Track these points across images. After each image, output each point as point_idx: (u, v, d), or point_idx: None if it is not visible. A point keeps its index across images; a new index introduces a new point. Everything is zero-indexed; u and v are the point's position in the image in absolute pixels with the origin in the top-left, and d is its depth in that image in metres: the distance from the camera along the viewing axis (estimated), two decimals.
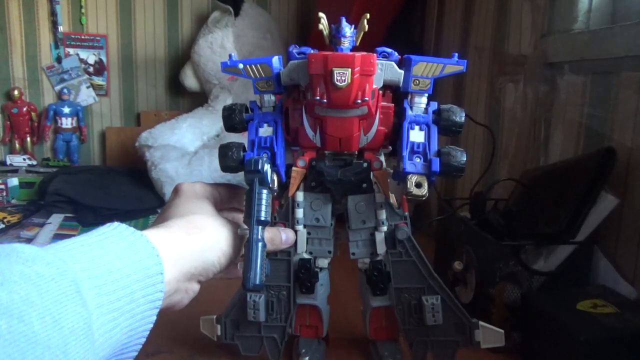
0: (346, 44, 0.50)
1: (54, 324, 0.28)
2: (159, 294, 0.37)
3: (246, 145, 0.53)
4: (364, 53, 0.47)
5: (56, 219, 1.21)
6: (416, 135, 0.51)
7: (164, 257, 0.38)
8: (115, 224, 0.39)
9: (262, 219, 0.47)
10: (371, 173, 0.54)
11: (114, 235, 0.37)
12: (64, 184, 1.30)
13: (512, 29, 0.98)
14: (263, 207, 0.47)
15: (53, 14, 1.58)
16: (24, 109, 1.59)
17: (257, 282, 0.45)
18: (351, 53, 0.48)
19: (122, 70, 1.68)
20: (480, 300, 0.68)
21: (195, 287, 0.44)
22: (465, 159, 0.50)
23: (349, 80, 0.46)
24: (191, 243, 0.43)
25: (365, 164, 0.53)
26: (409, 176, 0.49)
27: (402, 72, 0.51)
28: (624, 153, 0.68)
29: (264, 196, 0.48)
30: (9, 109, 1.58)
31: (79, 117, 1.62)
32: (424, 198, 0.49)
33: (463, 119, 0.52)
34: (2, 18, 1.56)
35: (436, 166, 0.49)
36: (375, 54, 0.49)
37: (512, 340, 0.63)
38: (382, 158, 0.54)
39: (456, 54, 0.51)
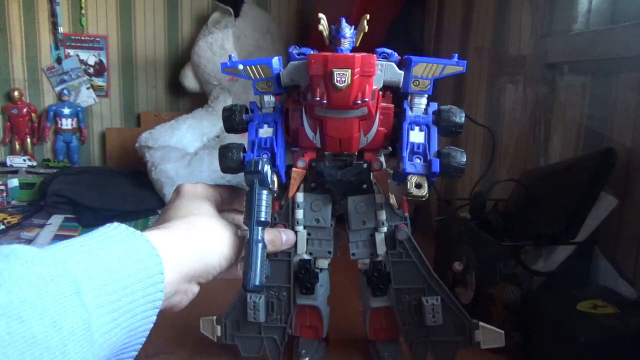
0: (346, 44, 0.50)
1: (53, 325, 0.28)
2: (159, 293, 0.37)
3: (246, 146, 0.53)
4: (364, 54, 0.47)
5: (56, 220, 1.21)
6: (416, 136, 0.51)
7: (164, 258, 0.39)
8: (115, 224, 0.39)
9: (262, 219, 0.47)
10: (371, 174, 0.54)
11: (114, 235, 0.37)
12: (64, 184, 1.30)
13: (512, 29, 0.98)
14: (263, 208, 0.47)
15: (53, 15, 1.59)
16: (24, 110, 1.58)
17: (257, 283, 0.45)
18: (351, 54, 0.48)
19: (122, 71, 1.68)
20: (480, 300, 0.68)
21: (195, 288, 0.44)
22: (465, 160, 0.50)
23: (349, 81, 0.46)
24: (192, 244, 0.43)
25: (365, 165, 0.53)
26: (409, 177, 0.49)
27: (402, 72, 0.51)
28: (624, 153, 0.68)
29: (264, 197, 0.48)
30: (9, 110, 1.57)
31: (79, 118, 1.62)
32: (424, 199, 0.49)
33: (463, 119, 0.52)
34: (3, 19, 1.56)
35: (436, 167, 0.49)
36: (375, 55, 0.49)
37: (512, 341, 0.63)
38: (382, 159, 0.54)
39: (456, 55, 0.51)
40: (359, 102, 0.47)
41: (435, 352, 0.56)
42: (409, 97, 0.52)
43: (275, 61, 0.52)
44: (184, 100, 1.72)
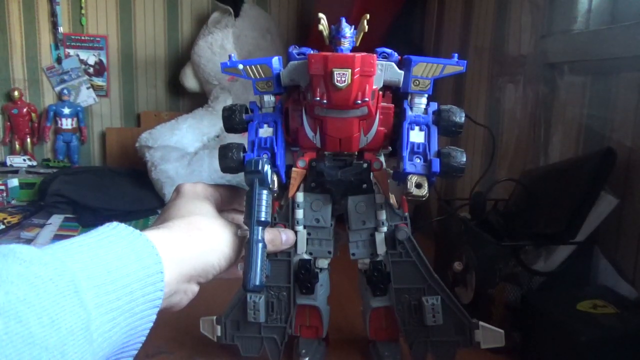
0: (346, 44, 0.50)
1: (51, 325, 0.28)
2: (158, 292, 0.37)
3: (246, 146, 0.53)
4: (364, 54, 0.47)
5: (56, 220, 1.21)
6: (416, 136, 0.51)
7: (164, 257, 0.38)
8: (115, 223, 0.39)
9: (262, 219, 0.47)
10: (371, 173, 0.54)
11: (113, 234, 0.37)
12: (64, 184, 1.30)
13: (512, 29, 0.98)
14: (263, 208, 0.47)
15: (53, 14, 1.58)
16: (24, 109, 1.58)
17: (258, 282, 0.45)
18: (351, 54, 0.48)
19: (122, 71, 1.68)
20: (480, 300, 0.68)
21: (195, 288, 0.44)
22: (465, 160, 0.50)
23: (349, 81, 0.46)
24: (192, 244, 0.43)
25: (365, 165, 0.53)
26: (409, 177, 0.49)
27: (402, 72, 0.51)
28: (624, 153, 0.68)
29: (264, 197, 0.48)
30: (9, 110, 1.57)
31: (79, 118, 1.62)
32: (424, 198, 0.49)
33: (463, 119, 0.52)
34: (3, 19, 1.56)
35: (436, 167, 0.49)
36: (375, 55, 0.49)
37: (512, 341, 0.62)
38: (382, 158, 0.54)
39: (456, 55, 0.51)
40: (359, 101, 0.47)
41: (435, 352, 0.56)
42: (409, 97, 0.52)
43: (275, 61, 0.52)
44: (184, 100, 1.72)
